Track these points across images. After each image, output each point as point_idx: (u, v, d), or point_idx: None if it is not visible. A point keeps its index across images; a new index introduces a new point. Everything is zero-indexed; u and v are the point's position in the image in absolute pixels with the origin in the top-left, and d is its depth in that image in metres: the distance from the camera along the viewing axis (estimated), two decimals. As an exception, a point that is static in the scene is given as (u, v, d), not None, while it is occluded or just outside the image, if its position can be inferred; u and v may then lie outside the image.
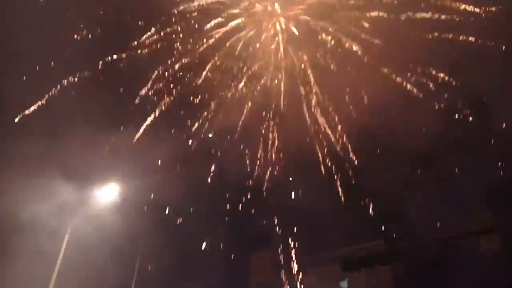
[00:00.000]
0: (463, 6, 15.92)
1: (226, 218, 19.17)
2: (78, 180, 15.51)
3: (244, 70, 18.74)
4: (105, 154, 17.58)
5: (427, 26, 16.66)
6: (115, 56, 17.81)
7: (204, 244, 18.92)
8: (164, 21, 18.02)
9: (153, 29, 18.11)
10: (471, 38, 16.26)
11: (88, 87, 18.46)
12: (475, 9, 15.84)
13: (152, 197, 17.93)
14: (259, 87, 18.78)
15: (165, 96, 18.84)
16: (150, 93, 18.48)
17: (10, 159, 15.27)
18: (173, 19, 17.95)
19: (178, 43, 18.47)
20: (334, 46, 17.62)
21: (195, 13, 17.91)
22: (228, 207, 18.88)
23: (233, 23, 18.08)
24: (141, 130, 18.69)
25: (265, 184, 18.95)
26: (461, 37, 16.58)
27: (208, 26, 17.92)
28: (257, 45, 18.24)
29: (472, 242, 13.28)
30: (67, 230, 13.13)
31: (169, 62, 18.68)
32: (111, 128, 18.89)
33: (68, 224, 13.28)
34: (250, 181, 18.79)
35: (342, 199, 18.22)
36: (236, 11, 18.00)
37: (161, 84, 18.92)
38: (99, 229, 15.39)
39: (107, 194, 14.59)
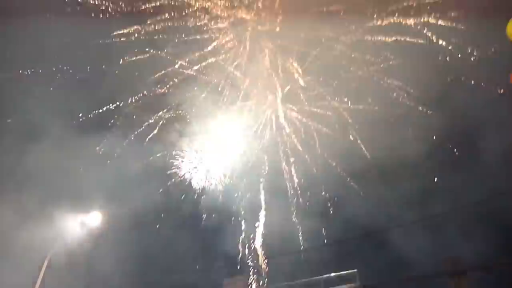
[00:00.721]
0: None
1: (201, 243, 19.39)
2: (57, 205, 15.70)
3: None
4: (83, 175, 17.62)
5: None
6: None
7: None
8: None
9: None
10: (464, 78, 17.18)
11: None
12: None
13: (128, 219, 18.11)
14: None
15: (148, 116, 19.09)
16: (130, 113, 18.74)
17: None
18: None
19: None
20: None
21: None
22: (203, 232, 19.14)
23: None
24: (118, 150, 18.85)
25: (242, 210, 19.37)
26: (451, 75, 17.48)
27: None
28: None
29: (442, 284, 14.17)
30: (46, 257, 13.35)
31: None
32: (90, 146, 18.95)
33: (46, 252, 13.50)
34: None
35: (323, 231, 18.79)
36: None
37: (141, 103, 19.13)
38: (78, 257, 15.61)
39: (89, 221, 15.01)
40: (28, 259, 14.60)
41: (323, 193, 18.69)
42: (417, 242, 18.33)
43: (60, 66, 18.60)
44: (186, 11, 17.37)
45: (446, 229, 18.85)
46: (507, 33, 11.74)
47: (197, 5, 17.25)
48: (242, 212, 18.95)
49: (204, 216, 18.90)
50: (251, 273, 18.93)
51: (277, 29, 18.08)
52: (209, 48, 18.06)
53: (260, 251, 18.94)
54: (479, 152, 19.11)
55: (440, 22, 16.68)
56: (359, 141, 18.46)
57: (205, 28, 17.82)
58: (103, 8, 17.63)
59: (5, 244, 14.68)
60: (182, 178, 19.21)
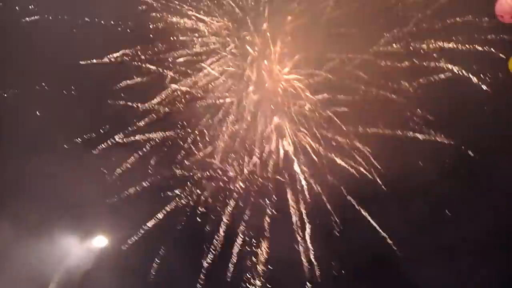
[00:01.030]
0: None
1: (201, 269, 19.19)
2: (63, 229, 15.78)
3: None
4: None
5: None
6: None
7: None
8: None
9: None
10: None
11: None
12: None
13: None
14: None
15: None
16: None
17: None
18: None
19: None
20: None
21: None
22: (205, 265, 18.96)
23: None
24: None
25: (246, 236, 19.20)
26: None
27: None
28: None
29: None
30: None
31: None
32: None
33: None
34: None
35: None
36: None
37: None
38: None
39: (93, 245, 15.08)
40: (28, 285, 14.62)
41: (331, 219, 18.51)
42: (430, 271, 18.06)
43: (64, 84, 18.98)
44: (195, 34, 17.82)
45: (460, 258, 18.54)
46: (510, 69, 11.69)
47: (205, 28, 17.72)
48: (247, 238, 18.80)
49: (207, 241, 18.80)
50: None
51: (285, 50, 18.36)
52: (216, 69, 18.38)
53: (263, 279, 18.74)
54: (492, 179, 18.86)
55: (452, 46, 16.80)
56: (369, 166, 18.36)
57: (211, 49, 18.23)
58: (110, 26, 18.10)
59: (2, 267, 14.70)
60: (185, 200, 19.19)
